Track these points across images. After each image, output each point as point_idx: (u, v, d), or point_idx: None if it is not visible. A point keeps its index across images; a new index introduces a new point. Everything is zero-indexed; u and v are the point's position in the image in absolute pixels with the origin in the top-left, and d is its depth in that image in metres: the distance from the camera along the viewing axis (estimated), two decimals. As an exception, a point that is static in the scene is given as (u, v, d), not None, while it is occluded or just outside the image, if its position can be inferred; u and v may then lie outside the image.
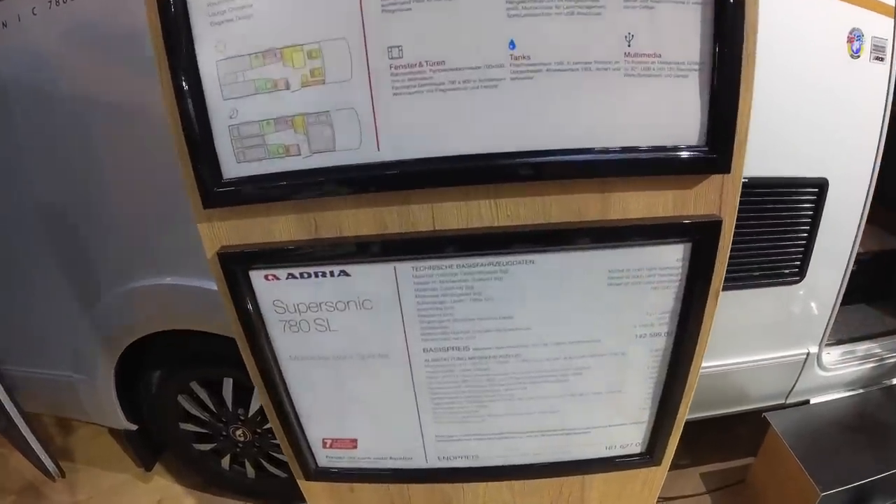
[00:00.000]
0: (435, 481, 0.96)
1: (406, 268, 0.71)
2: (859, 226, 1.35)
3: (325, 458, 0.92)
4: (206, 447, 1.67)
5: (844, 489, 1.35)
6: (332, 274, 0.72)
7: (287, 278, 0.73)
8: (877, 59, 1.23)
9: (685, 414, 0.89)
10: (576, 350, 0.79)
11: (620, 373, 0.82)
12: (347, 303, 0.75)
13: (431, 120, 0.62)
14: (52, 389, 1.61)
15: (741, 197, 1.25)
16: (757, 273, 1.33)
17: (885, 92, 1.25)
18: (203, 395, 1.55)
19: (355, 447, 0.90)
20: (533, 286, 0.72)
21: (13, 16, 1.12)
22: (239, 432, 1.59)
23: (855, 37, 1.18)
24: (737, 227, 1.27)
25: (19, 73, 1.17)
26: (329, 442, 0.90)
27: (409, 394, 0.83)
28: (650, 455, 0.93)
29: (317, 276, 0.73)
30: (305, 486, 0.98)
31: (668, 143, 0.64)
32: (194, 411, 1.59)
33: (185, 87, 0.63)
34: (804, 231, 1.30)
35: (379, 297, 0.74)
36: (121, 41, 1.06)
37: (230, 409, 1.55)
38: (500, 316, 0.75)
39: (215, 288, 0.76)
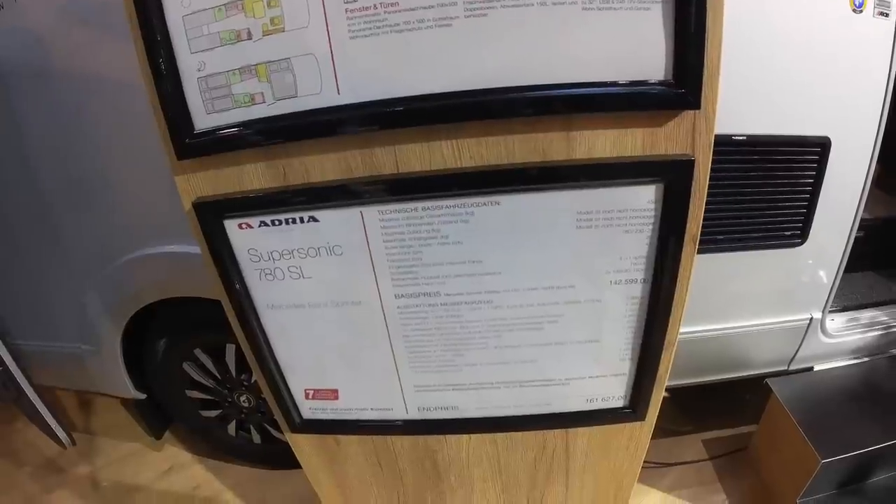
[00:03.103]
0: (417, 433, 0.97)
1: (372, 212, 0.72)
2: (864, 188, 1.30)
3: (308, 409, 0.94)
4: (213, 414, 1.71)
5: (845, 457, 1.33)
6: (301, 220, 0.74)
7: (259, 226, 0.75)
8: (881, 13, 1.18)
9: (668, 368, 0.88)
10: (549, 296, 0.79)
11: (597, 321, 0.82)
12: (318, 249, 0.76)
13: (389, 61, 0.63)
14: (63, 362, 1.65)
15: (739, 155, 1.25)
16: (757, 234, 1.30)
17: (891, 48, 1.19)
18: (207, 361, 1.59)
19: (337, 398, 0.92)
20: (500, 229, 0.72)
21: (10, -3, 1.15)
22: (243, 398, 1.63)
23: (857, -10, 1.14)
24: (736, 186, 1.27)
25: (20, 54, 1.20)
26: (311, 392, 0.92)
27: (385, 342, 0.84)
28: (633, 409, 0.92)
29: (287, 222, 0.74)
30: (292, 438, 1.01)
31: (633, 78, 0.63)
32: (199, 378, 1.62)
33: (155, 43, 0.65)
34: (806, 192, 1.27)
35: (348, 242, 0.75)
36: (117, 15, 1.08)
37: (234, 376, 1.59)
38: (469, 260, 0.76)
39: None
